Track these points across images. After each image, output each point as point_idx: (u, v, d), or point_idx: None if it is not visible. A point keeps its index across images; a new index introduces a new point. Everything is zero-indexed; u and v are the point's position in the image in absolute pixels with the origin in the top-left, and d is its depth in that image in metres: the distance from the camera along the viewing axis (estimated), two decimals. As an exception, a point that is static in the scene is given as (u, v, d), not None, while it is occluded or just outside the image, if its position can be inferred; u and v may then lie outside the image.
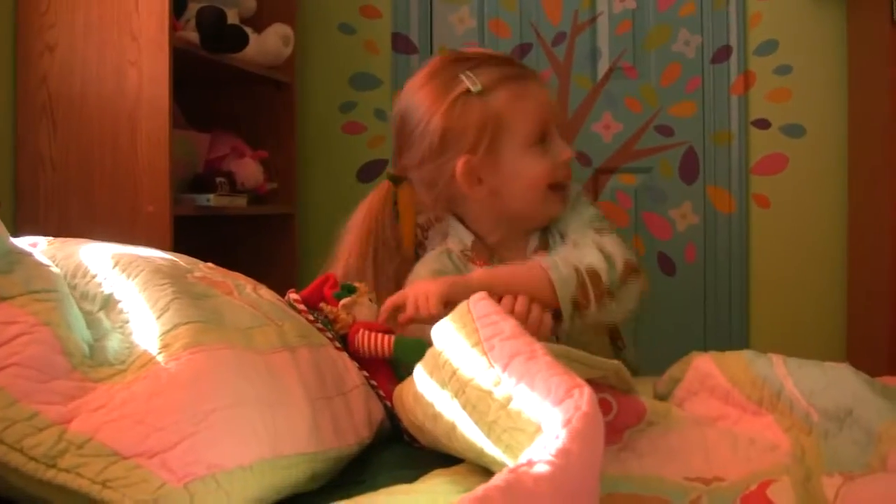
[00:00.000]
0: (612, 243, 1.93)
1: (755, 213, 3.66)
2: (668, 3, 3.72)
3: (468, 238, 2.05)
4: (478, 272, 1.88)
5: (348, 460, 1.44)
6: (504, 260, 2.05)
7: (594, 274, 1.85)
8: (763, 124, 3.64)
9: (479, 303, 1.40)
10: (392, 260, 2.05)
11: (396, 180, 2.08)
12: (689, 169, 3.69)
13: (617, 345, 2.19)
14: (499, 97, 1.96)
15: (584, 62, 3.78)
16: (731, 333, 3.64)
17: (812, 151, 3.61)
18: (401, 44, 3.86)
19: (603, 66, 3.77)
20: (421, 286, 1.79)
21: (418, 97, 2.02)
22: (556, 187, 2.03)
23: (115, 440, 1.07)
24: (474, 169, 1.96)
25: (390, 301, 1.84)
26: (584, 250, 1.91)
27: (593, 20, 3.77)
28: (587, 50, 3.78)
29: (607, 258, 1.88)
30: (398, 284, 2.00)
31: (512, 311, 1.72)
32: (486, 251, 2.08)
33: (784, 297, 3.65)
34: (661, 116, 3.71)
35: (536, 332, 1.73)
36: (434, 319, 1.65)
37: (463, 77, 1.96)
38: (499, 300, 1.75)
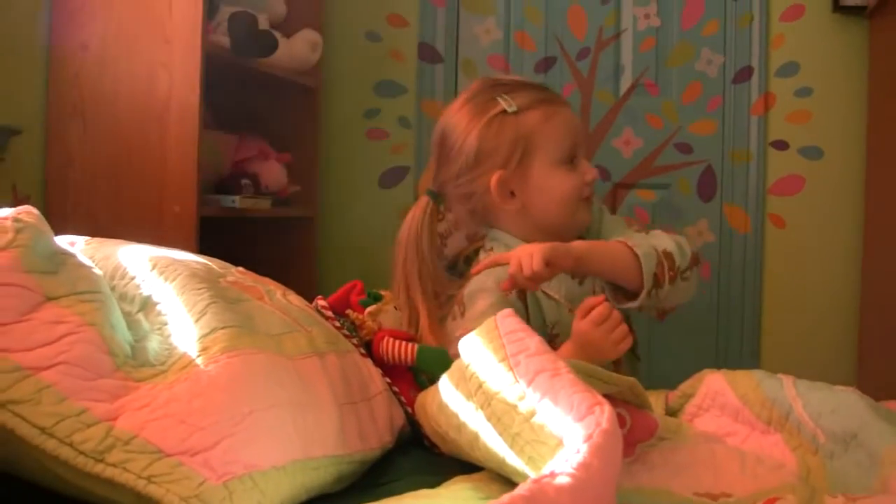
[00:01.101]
0: (677, 236, 2.11)
1: (770, 233, 3.69)
2: (692, 22, 3.75)
3: (516, 244, 2.11)
4: (576, 242, 1.99)
5: (372, 463, 1.49)
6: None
7: (669, 255, 2.00)
8: (782, 145, 3.67)
9: (505, 319, 1.45)
10: (435, 273, 2.12)
11: (435, 196, 2.16)
12: (707, 187, 3.72)
13: (635, 353, 2.25)
14: (532, 117, 2.07)
15: (607, 78, 3.81)
16: (742, 352, 3.66)
17: (830, 174, 3.63)
18: (426, 53, 3.90)
19: (625, 83, 3.80)
20: (525, 247, 1.89)
21: (457, 117, 2.12)
22: (585, 200, 2.14)
23: (158, 438, 1.13)
24: (507, 183, 2.07)
25: (492, 258, 1.97)
26: (659, 237, 2.07)
27: (617, 36, 3.80)
28: (610, 66, 3.81)
29: (678, 245, 2.04)
30: (436, 298, 2.08)
31: (609, 314, 1.83)
32: None
33: (796, 318, 3.67)
34: (681, 134, 3.74)
35: (623, 340, 1.86)
36: (537, 278, 1.82)
37: (499, 99, 2.07)
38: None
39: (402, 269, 2.12)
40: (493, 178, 2.05)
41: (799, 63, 3.65)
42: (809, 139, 3.64)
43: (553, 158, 2.08)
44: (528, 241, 2.08)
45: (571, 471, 0.96)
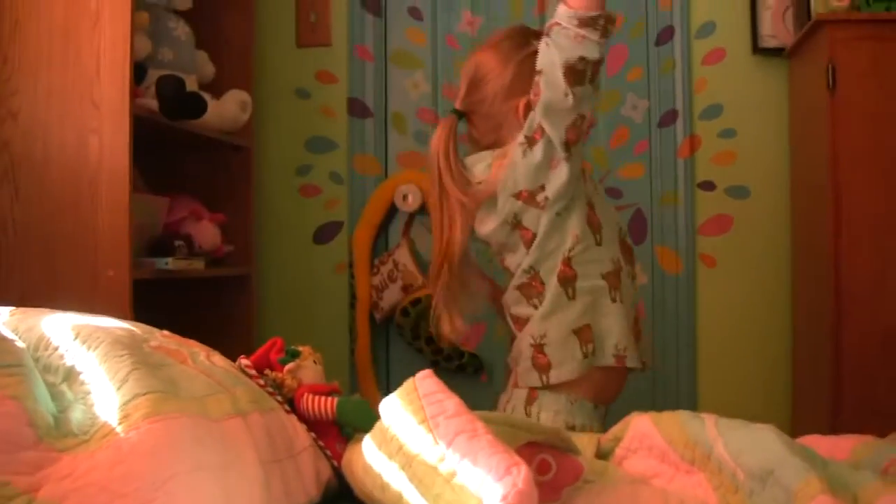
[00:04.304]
0: None
1: (702, 273, 3.74)
2: (617, 68, 3.81)
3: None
4: None
5: (299, 519, 1.51)
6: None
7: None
8: (709, 186, 3.73)
9: (424, 381, 1.48)
10: (460, 173, 2.47)
11: (461, 115, 2.52)
12: (638, 230, 3.77)
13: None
14: None
15: (536, 126, 3.85)
16: (679, 391, 3.69)
17: (756, 212, 3.70)
18: (356, 108, 3.93)
19: (554, 130, 3.83)
20: None
21: (491, 52, 2.50)
22: None
23: (80, 507, 1.14)
24: (529, 106, 2.35)
25: None
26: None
27: (544, 85, 3.85)
28: (538, 114, 3.85)
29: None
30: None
31: None
32: None
33: (731, 354, 3.71)
34: (611, 179, 3.78)
35: None
36: None
37: (534, 42, 2.38)
38: None
39: (437, 175, 2.47)
40: (522, 103, 2.38)
41: (722, 105, 3.72)
42: (735, 179, 3.71)
43: None
44: None
45: (487, 528, 0.99)
